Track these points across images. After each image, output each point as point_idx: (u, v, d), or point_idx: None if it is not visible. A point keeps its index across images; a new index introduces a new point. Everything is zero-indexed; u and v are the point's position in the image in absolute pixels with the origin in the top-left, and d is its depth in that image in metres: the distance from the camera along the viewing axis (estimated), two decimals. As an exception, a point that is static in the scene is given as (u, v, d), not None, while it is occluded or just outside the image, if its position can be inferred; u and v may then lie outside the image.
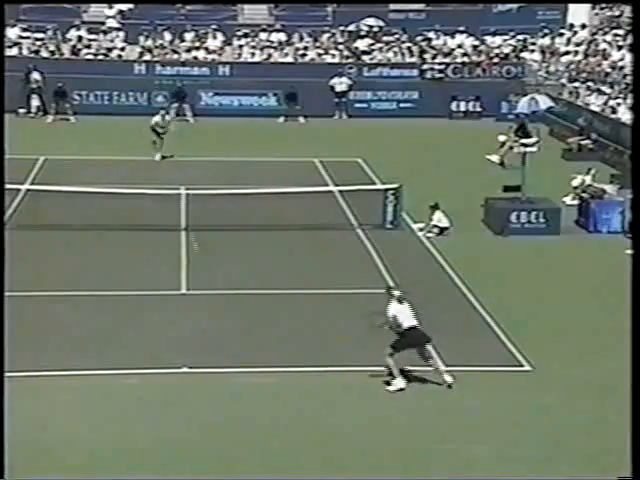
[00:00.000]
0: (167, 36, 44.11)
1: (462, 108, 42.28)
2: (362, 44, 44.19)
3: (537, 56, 44.01)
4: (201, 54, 43.37)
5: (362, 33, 44.93)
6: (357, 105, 42.22)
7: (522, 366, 17.14)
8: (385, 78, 42.79)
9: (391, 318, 15.97)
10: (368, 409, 15.47)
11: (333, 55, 43.66)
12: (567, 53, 43.22)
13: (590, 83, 38.62)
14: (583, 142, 34.18)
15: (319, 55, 43.69)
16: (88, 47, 43.27)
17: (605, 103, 36.03)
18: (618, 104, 34.88)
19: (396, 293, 16.29)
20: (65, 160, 31.77)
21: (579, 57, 42.23)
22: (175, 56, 43.15)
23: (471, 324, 19.08)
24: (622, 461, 12.92)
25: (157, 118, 32.94)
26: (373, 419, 15.14)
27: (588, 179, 27.45)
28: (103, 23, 45.20)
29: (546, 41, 44.84)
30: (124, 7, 46.40)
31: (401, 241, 24.37)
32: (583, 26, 44.89)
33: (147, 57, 43.07)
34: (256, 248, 23.52)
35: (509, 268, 22.56)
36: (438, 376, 16.17)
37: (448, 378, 16.09)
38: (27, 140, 32.88)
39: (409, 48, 44.09)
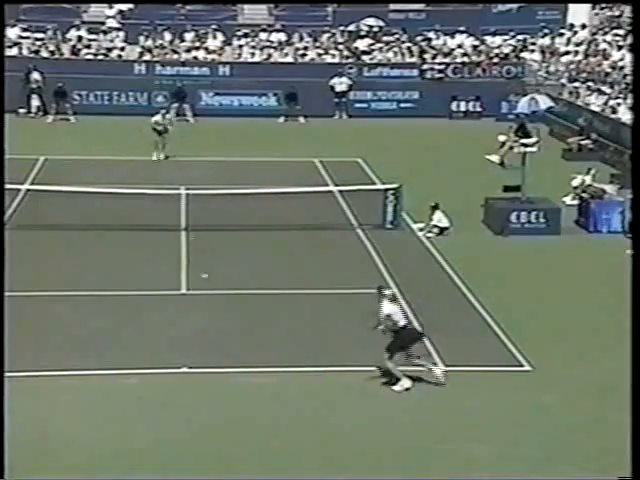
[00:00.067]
0: (167, 36, 44.12)
1: (462, 108, 42.29)
2: (362, 44, 44.20)
3: (537, 56, 44.01)
4: (201, 54, 43.38)
5: (362, 33, 44.94)
6: (357, 105, 42.23)
7: (522, 366, 17.13)
8: (385, 78, 42.80)
9: (386, 318, 15.93)
10: (368, 409, 15.47)
11: (333, 55, 43.67)
12: (567, 53, 43.22)
13: (590, 83, 38.61)
14: (583, 142, 34.18)
15: (319, 55, 43.70)
16: (88, 47, 43.27)
17: (605, 103, 36.03)
18: (618, 104, 34.88)
19: (387, 292, 16.26)
20: (65, 160, 31.77)
21: (579, 57, 42.23)
22: (175, 56, 43.15)
23: (471, 324, 19.07)
24: (622, 461, 12.93)
25: (157, 117, 32.94)
26: (373, 419, 15.14)
27: (588, 179, 27.45)
28: (103, 23, 45.21)
29: (546, 41, 44.84)
30: (124, 7, 46.41)
31: (401, 241, 24.37)
32: (583, 26, 44.89)
33: (147, 57, 43.08)
34: (256, 248, 23.52)
35: (509, 268, 22.56)
36: (430, 375, 16.15)
37: (438, 371, 16.05)
38: (27, 140, 32.89)
39: (409, 48, 44.09)
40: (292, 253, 23.25)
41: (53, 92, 39.90)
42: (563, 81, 41.19)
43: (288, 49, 43.94)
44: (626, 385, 13.25)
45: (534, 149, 25.61)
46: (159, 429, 14.66)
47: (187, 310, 19.52)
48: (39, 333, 18.02)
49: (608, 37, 42.40)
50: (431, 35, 44.85)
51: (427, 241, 24.29)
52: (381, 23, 45.64)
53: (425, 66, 42.90)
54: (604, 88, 37.31)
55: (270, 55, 43.65)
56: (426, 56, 43.67)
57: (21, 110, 40.08)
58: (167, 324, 18.67)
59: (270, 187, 26.47)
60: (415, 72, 42.92)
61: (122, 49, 43.74)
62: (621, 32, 41.52)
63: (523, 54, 44.08)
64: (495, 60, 43.52)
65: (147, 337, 18.05)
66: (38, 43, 42.93)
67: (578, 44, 43.28)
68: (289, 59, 43.62)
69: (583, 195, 26.26)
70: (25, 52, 42.51)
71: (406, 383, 15.99)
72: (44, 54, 42.59)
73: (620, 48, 39.87)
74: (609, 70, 39.04)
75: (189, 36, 44.33)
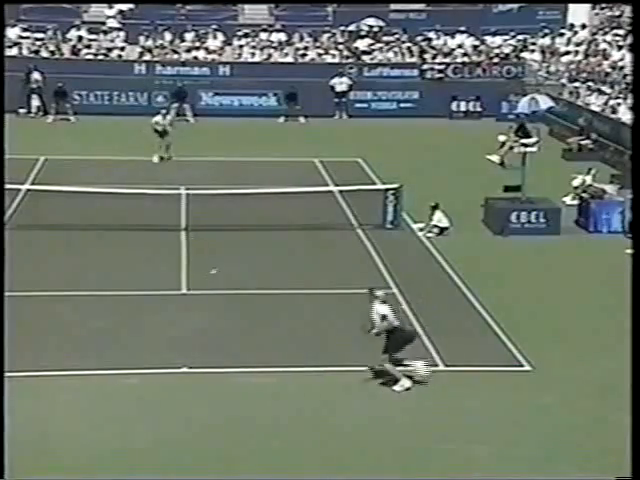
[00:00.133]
0: (167, 36, 44.11)
1: (462, 108, 42.27)
2: (362, 44, 44.18)
3: (537, 56, 44.00)
4: (201, 54, 43.36)
5: (362, 33, 44.91)
6: (357, 105, 42.21)
7: (522, 366, 17.13)
8: (385, 78, 42.78)
9: (381, 319, 15.89)
10: (368, 409, 15.47)
11: (333, 55, 43.66)
12: (567, 53, 43.20)
13: (590, 83, 38.60)
14: (583, 142, 34.17)
15: (319, 55, 43.68)
16: (88, 47, 43.26)
17: (605, 103, 36.02)
18: (618, 104, 34.87)
19: (379, 294, 16.21)
20: (65, 160, 31.75)
21: (579, 57, 42.22)
22: (175, 56, 43.13)
23: (471, 324, 19.07)
24: (622, 461, 12.94)
25: (157, 118, 32.91)
26: (373, 419, 15.14)
27: (588, 179, 27.45)
28: (103, 23, 45.20)
29: (546, 41, 44.83)
30: (124, 7, 46.39)
31: (401, 241, 24.37)
32: (583, 26, 44.89)
33: (147, 57, 43.05)
34: (256, 248, 23.52)
35: (509, 268, 22.55)
36: (418, 375, 16.15)
37: (422, 371, 16.03)
38: (27, 140, 32.89)
39: (409, 48, 44.08)
40: (292, 253, 23.26)
41: (53, 92, 39.88)
42: (563, 81, 41.19)
43: (288, 49, 43.94)
44: (626, 385, 13.26)
45: (534, 149, 25.61)
46: (159, 429, 14.66)
47: (187, 310, 19.52)
48: (39, 333, 18.02)
49: (608, 37, 42.40)
50: (431, 35, 44.84)
51: (427, 241, 24.30)
52: (381, 23, 45.63)
53: (425, 66, 42.88)
54: (604, 88, 37.30)
55: (270, 55, 43.64)
56: (426, 56, 43.65)
57: (21, 110, 40.07)
58: (167, 324, 18.67)
59: (270, 187, 26.47)
60: (415, 72, 42.90)
61: (122, 49, 43.72)
62: (621, 32, 41.51)
63: (523, 54, 44.07)
64: (495, 60, 43.51)
65: (147, 337, 18.05)
66: (38, 43, 42.91)
67: (578, 44, 43.28)
68: (289, 59, 43.60)
69: (583, 195, 26.26)
70: (25, 52, 42.49)
71: (406, 383, 16.00)
72: (44, 54, 42.57)
73: (620, 48, 39.87)
74: (609, 70, 39.04)
75: (189, 36, 44.32)
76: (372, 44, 44.23)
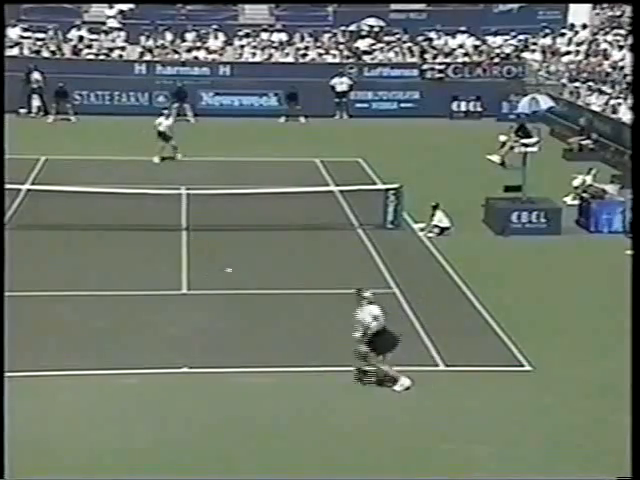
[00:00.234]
0: (168, 36, 44.11)
1: (463, 108, 42.26)
2: (363, 44, 44.18)
3: (538, 56, 43.99)
4: (202, 54, 43.36)
5: (363, 33, 44.92)
6: (358, 105, 42.20)
7: (522, 366, 17.12)
8: (386, 78, 42.77)
9: (373, 319, 15.84)
10: (368, 409, 15.47)
11: (334, 55, 43.66)
12: (568, 53, 43.19)
13: (591, 83, 38.59)
14: (584, 142, 34.16)
15: (320, 55, 43.68)
16: (89, 47, 43.25)
17: (606, 103, 36.01)
18: (619, 104, 34.86)
19: (367, 294, 16.15)
20: (66, 160, 31.75)
21: (580, 57, 42.21)
22: (176, 56, 43.13)
23: (471, 324, 19.07)
24: (622, 461, 12.93)
25: (160, 119, 32.87)
26: (373, 419, 15.14)
27: (589, 179, 27.45)
28: (104, 23, 45.21)
29: (547, 41, 44.82)
30: (125, 7, 46.41)
31: (402, 241, 24.37)
32: (584, 26, 44.89)
33: (148, 57, 43.04)
34: (256, 248, 23.51)
35: (510, 268, 22.55)
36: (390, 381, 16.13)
37: (397, 387, 16.02)
38: (28, 140, 32.89)
39: (410, 48, 44.07)
40: (292, 253, 23.25)
41: (54, 92, 39.89)
42: (564, 81, 41.17)
43: (289, 49, 43.94)
44: (626, 385, 13.25)
45: (535, 149, 25.59)
46: (159, 429, 14.66)
47: (187, 310, 19.52)
48: (39, 333, 18.01)
49: (609, 37, 42.40)
50: (432, 35, 44.84)
51: (428, 241, 24.29)
52: (382, 23, 45.63)
53: (426, 66, 42.86)
54: (605, 88, 37.29)
55: (271, 55, 43.64)
56: (427, 56, 43.65)
57: (22, 110, 40.07)
58: (167, 324, 18.66)
59: (271, 187, 26.47)
60: (416, 72, 42.88)
61: (123, 49, 43.72)
62: (622, 32, 41.51)
63: (524, 54, 44.07)
64: (496, 60, 43.50)
65: (147, 337, 18.04)
66: (39, 43, 42.91)
67: (579, 44, 43.27)
68: (290, 59, 43.60)
69: (584, 195, 26.24)
70: (26, 52, 42.49)
71: (406, 382, 15.98)
72: (45, 54, 42.57)
73: (621, 48, 39.85)
74: (610, 70, 39.02)
75: (190, 36, 44.33)
76: (373, 44, 44.23)
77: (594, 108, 36.45)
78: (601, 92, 37.04)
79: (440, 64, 42.93)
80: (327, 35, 44.70)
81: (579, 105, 37.79)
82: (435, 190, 27.11)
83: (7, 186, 24.10)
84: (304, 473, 13.49)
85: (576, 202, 26.60)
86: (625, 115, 33.52)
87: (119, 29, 44.80)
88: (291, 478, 13.41)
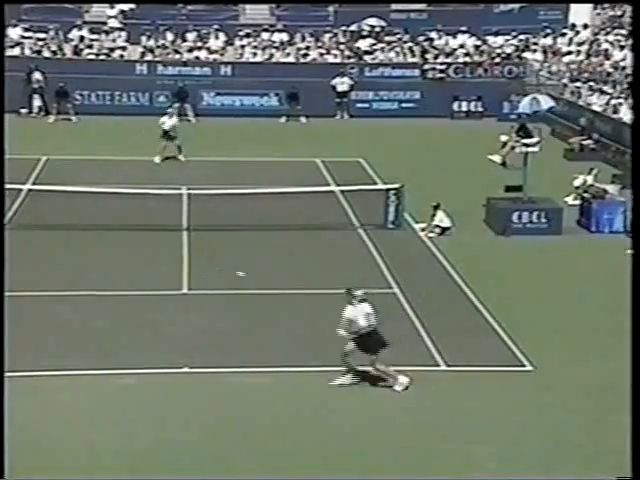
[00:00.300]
0: (169, 36, 44.11)
1: (464, 108, 42.23)
2: (364, 44, 44.16)
3: (539, 56, 43.96)
4: (203, 54, 43.36)
5: (364, 33, 44.91)
6: (359, 105, 42.17)
7: (523, 366, 17.12)
8: (387, 78, 42.75)
9: (365, 318, 15.82)
10: (368, 409, 15.46)
11: (335, 55, 43.65)
12: (569, 53, 43.17)
13: (592, 83, 38.57)
14: (585, 142, 34.13)
15: (321, 55, 43.66)
16: (90, 47, 43.25)
17: (607, 103, 35.99)
18: (620, 104, 34.84)
19: (358, 293, 16.12)
20: (66, 160, 31.75)
21: (581, 57, 42.19)
22: (177, 56, 43.13)
23: (472, 324, 19.06)
24: (622, 461, 12.92)
25: (164, 118, 32.84)
26: (373, 419, 15.13)
27: (590, 179, 27.43)
28: (105, 23, 45.21)
29: (548, 41, 44.80)
30: (126, 7, 46.41)
31: (403, 241, 24.36)
32: (585, 26, 44.88)
33: (149, 57, 43.04)
34: (256, 248, 23.50)
35: (511, 268, 22.54)
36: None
37: (397, 387, 15.96)
38: (29, 140, 32.91)
39: (411, 48, 44.05)
40: (293, 253, 23.24)
41: (55, 92, 39.88)
42: (565, 81, 41.14)
43: (290, 49, 43.93)
44: (626, 385, 13.23)
45: (536, 149, 25.59)
46: (159, 429, 14.66)
47: (187, 310, 19.51)
48: (39, 333, 18.01)
49: (610, 37, 42.39)
50: (433, 35, 44.83)
51: (429, 241, 24.28)
52: (383, 23, 45.61)
53: (427, 66, 42.84)
54: (606, 88, 37.27)
55: (272, 55, 43.63)
56: (428, 56, 43.63)
57: (23, 110, 40.06)
58: (167, 324, 18.67)
59: (271, 187, 26.46)
60: (417, 72, 42.86)
61: (124, 49, 43.72)
62: (623, 32, 41.50)
63: (525, 54, 44.03)
64: (497, 60, 43.48)
65: (147, 337, 18.04)
66: (40, 43, 42.91)
67: (580, 44, 43.25)
68: (291, 59, 43.59)
69: (585, 195, 26.23)
70: (27, 52, 42.49)
71: (405, 380, 15.97)
72: (46, 54, 42.56)
73: (622, 48, 39.84)
74: (611, 70, 39.01)
75: (191, 36, 44.32)
76: (373, 44, 44.21)
77: (595, 108, 36.43)
78: (602, 92, 37.02)
79: (441, 64, 42.91)
80: (328, 35, 44.69)
81: (580, 105, 37.76)
82: (436, 190, 27.11)
83: (8, 186, 24.11)
84: (304, 473, 13.49)
85: (577, 202, 26.59)
86: (626, 115, 33.50)
87: (120, 29, 44.80)
88: (291, 478, 13.40)
